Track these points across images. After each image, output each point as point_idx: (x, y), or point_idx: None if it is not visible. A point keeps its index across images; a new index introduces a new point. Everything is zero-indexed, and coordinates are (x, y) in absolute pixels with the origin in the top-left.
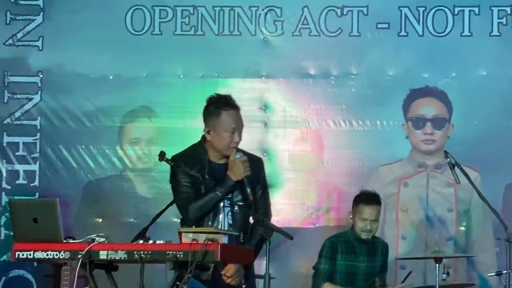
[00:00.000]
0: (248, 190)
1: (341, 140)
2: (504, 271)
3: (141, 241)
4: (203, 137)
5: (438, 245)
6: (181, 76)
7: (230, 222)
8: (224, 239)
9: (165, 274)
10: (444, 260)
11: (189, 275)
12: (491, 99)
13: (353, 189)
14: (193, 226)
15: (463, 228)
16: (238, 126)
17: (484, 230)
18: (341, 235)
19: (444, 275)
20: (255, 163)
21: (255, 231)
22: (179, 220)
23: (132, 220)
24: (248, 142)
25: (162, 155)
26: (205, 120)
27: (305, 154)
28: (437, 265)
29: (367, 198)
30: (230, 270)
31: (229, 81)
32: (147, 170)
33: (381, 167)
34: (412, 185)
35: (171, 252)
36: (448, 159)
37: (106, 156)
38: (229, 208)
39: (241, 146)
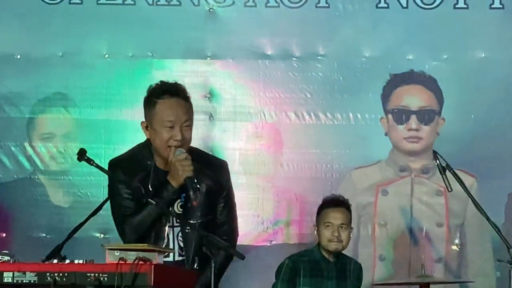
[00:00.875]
0: (191, 195)
1: (305, 136)
2: None
3: (55, 261)
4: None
5: (425, 267)
6: (106, 55)
7: (181, 244)
8: (159, 259)
9: None
10: (431, 286)
11: None
12: (491, 87)
13: (319, 198)
14: None
15: (455, 247)
16: (180, 119)
17: (482, 250)
18: (305, 253)
19: None
20: (216, 168)
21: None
22: (102, 235)
23: (44, 235)
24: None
25: (82, 154)
26: (144, 114)
27: (259, 153)
28: None
29: (332, 202)
30: None
31: (166, 62)
32: (62, 172)
33: (354, 170)
34: (392, 193)
35: (92, 274)
36: (437, 161)
37: (11, 155)
38: (179, 228)
39: None
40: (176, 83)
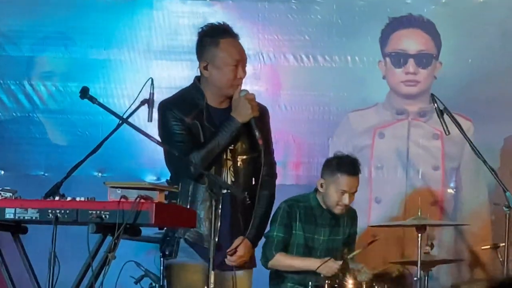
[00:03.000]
0: (257, 134)
1: (303, 78)
2: (502, 244)
3: (56, 198)
4: (197, 78)
5: (421, 210)
6: None
7: (233, 179)
8: (160, 197)
9: (87, 238)
10: (427, 229)
11: (116, 241)
12: (488, 32)
13: (317, 139)
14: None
15: (451, 191)
16: (242, 58)
17: (477, 193)
18: (301, 198)
19: (428, 247)
20: (263, 111)
21: (261, 192)
22: (100, 174)
23: (42, 173)
24: (189, 80)
25: (84, 92)
26: (199, 55)
27: (258, 95)
28: (419, 234)
29: (350, 168)
30: (240, 249)
31: (165, 3)
32: (61, 111)
33: (352, 113)
34: (389, 136)
35: (94, 212)
36: (435, 105)
37: (11, 93)
38: (231, 162)
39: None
40: (227, 24)
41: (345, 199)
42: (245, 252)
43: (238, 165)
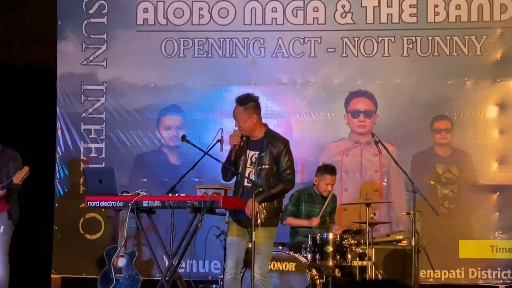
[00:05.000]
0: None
1: (304, 126)
2: (411, 211)
3: (170, 194)
4: None
5: (368, 194)
6: (198, 84)
7: (252, 178)
8: (229, 192)
9: (186, 216)
10: (372, 204)
11: (202, 216)
12: (403, 98)
13: (312, 158)
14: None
15: (384, 183)
16: (235, 116)
17: (398, 185)
18: (306, 189)
19: (372, 215)
20: (279, 142)
21: (279, 184)
22: (197, 179)
23: (166, 179)
24: None
25: (183, 137)
26: None
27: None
28: (367, 208)
29: (331, 170)
30: (248, 205)
31: (230, 88)
32: (176, 147)
33: (331, 143)
34: (351, 155)
35: (189, 202)
36: (374, 138)
37: (148, 137)
38: (251, 169)
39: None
40: (244, 94)
41: (329, 187)
42: (250, 206)
43: (258, 171)
